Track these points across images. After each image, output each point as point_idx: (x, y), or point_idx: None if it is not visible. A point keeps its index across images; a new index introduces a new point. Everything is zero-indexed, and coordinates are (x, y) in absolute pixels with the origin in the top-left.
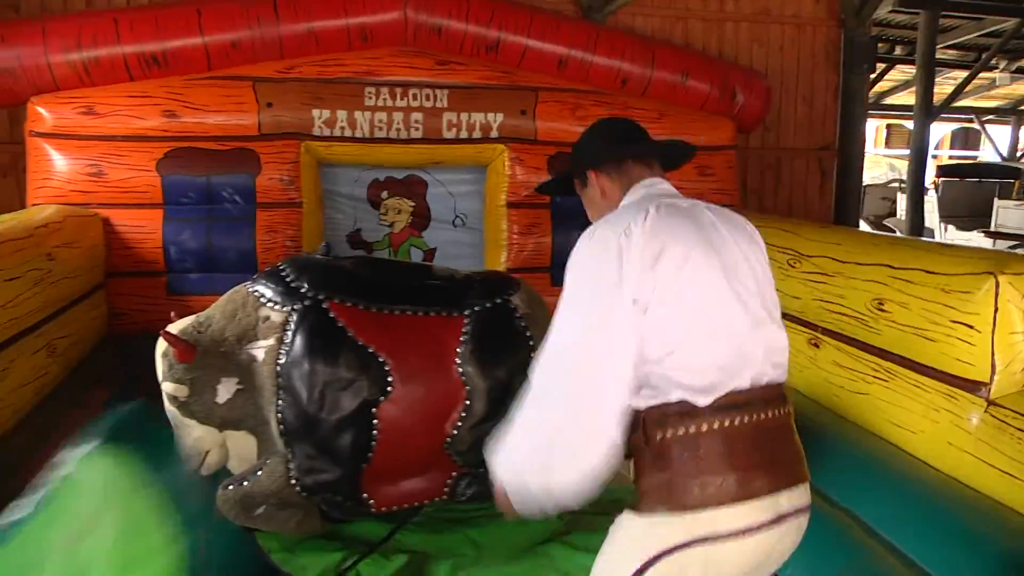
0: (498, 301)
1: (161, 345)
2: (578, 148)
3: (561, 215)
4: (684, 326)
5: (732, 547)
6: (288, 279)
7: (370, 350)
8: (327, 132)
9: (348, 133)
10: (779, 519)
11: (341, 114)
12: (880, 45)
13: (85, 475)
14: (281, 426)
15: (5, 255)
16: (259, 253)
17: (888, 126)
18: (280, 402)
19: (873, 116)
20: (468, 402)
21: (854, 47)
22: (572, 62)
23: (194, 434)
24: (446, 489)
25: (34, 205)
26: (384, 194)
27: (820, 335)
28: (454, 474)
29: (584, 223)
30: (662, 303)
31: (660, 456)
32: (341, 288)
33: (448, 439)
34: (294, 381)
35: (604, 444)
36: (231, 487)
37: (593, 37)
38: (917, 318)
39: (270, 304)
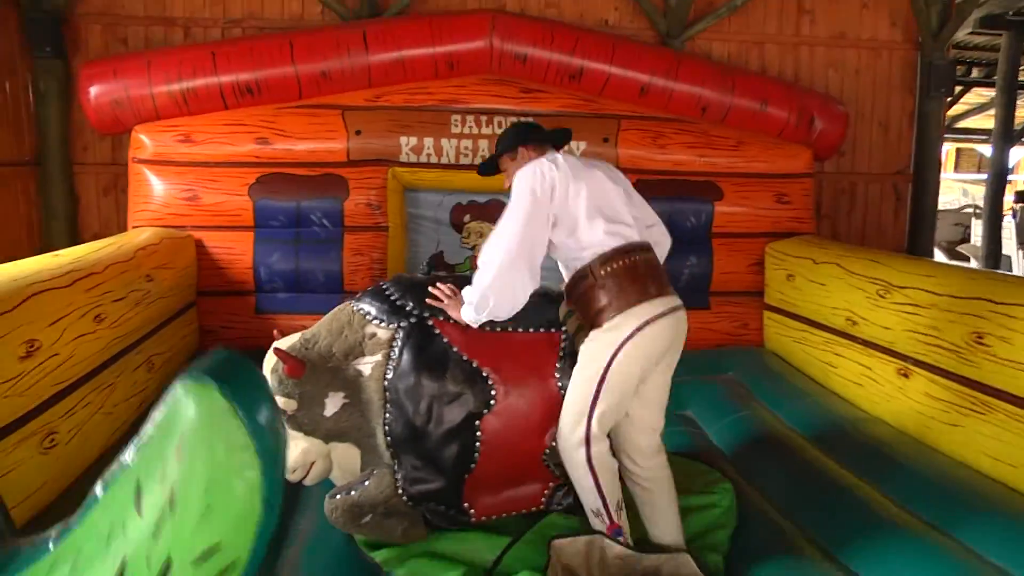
0: None
1: (270, 360)
2: (508, 135)
3: None
4: (576, 219)
5: (658, 326)
6: (393, 298)
7: (474, 365)
8: (414, 158)
9: (434, 159)
10: (672, 310)
11: (427, 141)
12: (956, 68)
13: (184, 402)
14: (388, 438)
15: (111, 277)
16: (345, 275)
17: (957, 150)
18: (387, 415)
19: (946, 140)
20: None
21: (932, 71)
22: (653, 89)
23: (301, 446)
24: (543, 499)
25: (134, 228)
26: (467, 217)
27: (910, 366)
28: (551, 484)
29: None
30: (565, 210)
31: (604, 287)
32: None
33: (547, 450)
34: (401, 395)
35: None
36: (339, 496)
37: (674, 64)
38: (1020, 352)
39: (376, 321)
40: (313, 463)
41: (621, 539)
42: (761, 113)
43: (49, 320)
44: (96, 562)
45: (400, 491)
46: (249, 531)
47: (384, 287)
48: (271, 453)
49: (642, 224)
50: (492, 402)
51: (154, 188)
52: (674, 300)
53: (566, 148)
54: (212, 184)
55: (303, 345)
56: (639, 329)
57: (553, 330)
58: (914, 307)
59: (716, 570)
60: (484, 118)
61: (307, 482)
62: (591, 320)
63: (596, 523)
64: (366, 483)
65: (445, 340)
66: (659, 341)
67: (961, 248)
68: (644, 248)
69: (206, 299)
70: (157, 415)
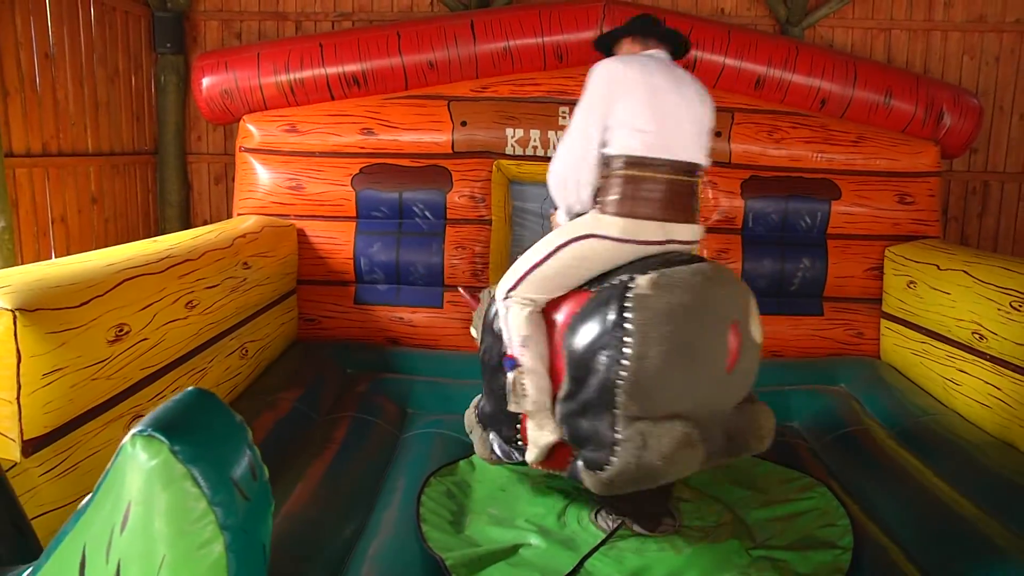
0: (625, 279)
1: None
2: (627, 23)
3: (753, 241)
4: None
5: (641, 250)
6: None
7: None
8: (519, 151)
9: (540, 152)
10: (667, 241)
11: (534, 133)
12: None
13: (131, 462)
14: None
15: (207, 264)
16: (446, 268)
17: None
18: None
19: None
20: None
21: None
22: (769, 81)
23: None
24: (567, 462)
25: (239, 215)
26: None
27: None
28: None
29: (774, 254)
30: (618, 112)
31: (617, 184)
32: None
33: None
34: (484, 330)
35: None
36: (474, 400)
37: (792, 54)
38: None
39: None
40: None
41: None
42: (884, 107)
43: (140, 305)
44: None
45: (476, 412)
46: None
47: None
48: (243, 521)
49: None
50: None
51: (259, 177)
52: (683, 232)
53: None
54: (316, 174)
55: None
56: (620, 240)
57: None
58: None
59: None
60: None
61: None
62: (594, 201)
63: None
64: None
65: None
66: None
67: None
68: (685, 170)
69: (306, 288)
70: (107, 469)
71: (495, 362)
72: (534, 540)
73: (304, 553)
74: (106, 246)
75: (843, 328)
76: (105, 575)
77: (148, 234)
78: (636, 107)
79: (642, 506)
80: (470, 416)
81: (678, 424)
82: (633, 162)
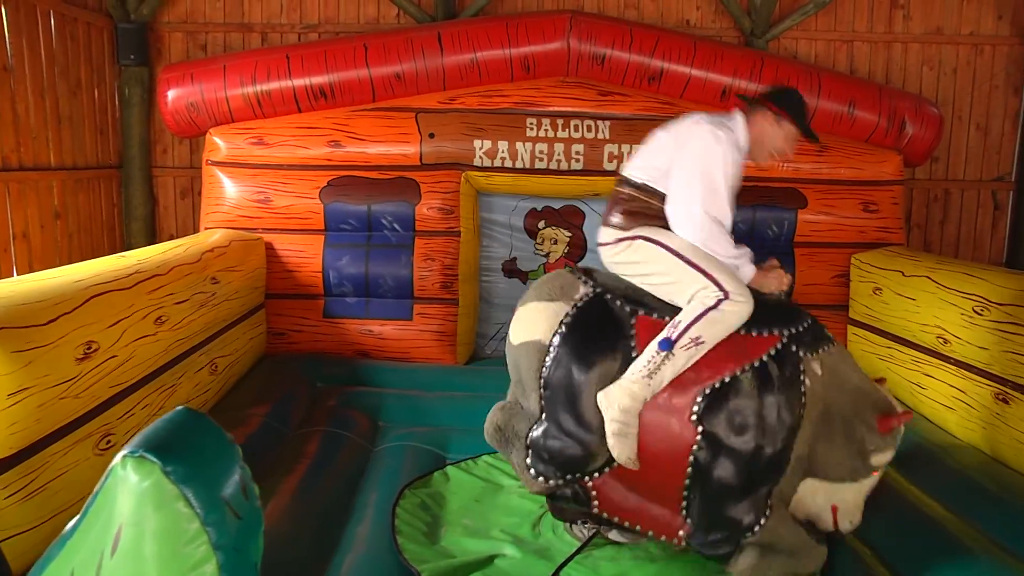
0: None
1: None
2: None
3: None
4: None
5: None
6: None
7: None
8: (488, 162)
9: (509, 164)
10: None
11: (502, 145)
12: None
13: (121, 483)
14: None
15: (175, 279)
16: (416, 280)
17: None
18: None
19: None
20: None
21: None
22: (736, 92)
23: None
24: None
25: (206, 229)
26: (541, 224)
27: (1010, 391)
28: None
29: None
30: None
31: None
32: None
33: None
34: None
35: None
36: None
37: (757, 65)
38: None
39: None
40: None
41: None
42: (848, 116)
43: (109, 322)
44: None
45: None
46: None
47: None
48: (235, 540)
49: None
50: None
51: (227, 190)
52: (603, 235)
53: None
54: (284, 187)
55: None
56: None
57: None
58: (1015, 326)
59: None
60: (560, 121)
61: None
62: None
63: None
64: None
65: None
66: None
67: None
68: (619, 181)
69: (275, 302)
70: (96, 490)
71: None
72: (509, 550)
73: (278, 572)
74: (70, 262)
75: None
76: None
77: (113, 249)
78: None
79: None
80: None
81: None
82: None
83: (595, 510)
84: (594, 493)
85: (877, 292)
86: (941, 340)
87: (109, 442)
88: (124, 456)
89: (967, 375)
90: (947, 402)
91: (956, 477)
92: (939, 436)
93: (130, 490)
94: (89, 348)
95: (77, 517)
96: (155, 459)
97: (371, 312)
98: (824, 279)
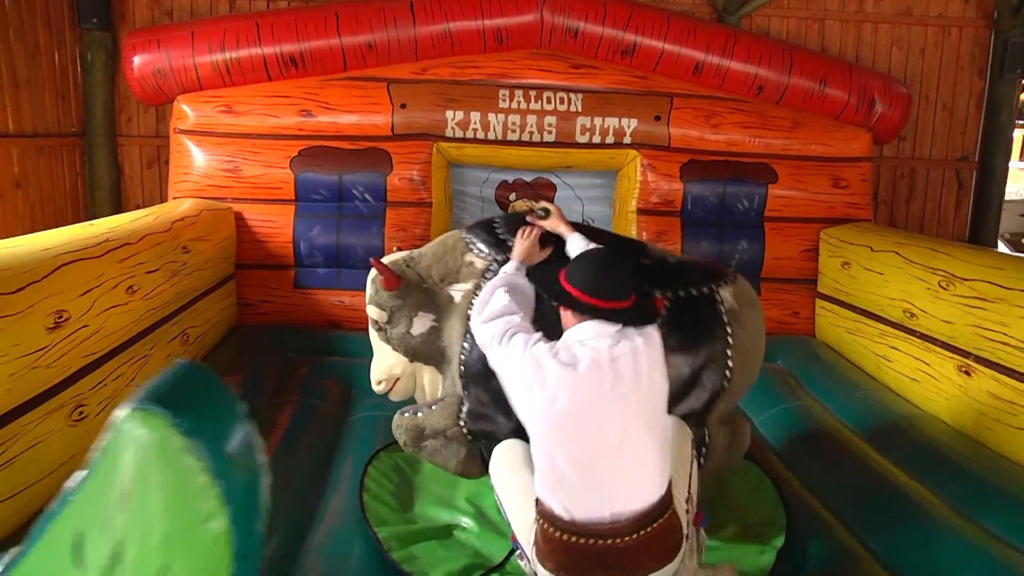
0: (705, 290)
1: (373, 271)
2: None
3: (692, 223)
4: None
5: None
6: (498, 231)
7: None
8: (460, 133)
9: (481, 135)
10: None
11: (474, 116)
12: None
13: (127, 438)
14: (462, 367)
15: (146, 248)
16: (387, 250)
17: None
18: (465, 344)
19: (1017, 126)
20: None
21: (1008, 49)
22: (708, 67)
23: (388, 360)
24: None
25: (175, 199)
26: (512, 196)
27: (972, 363)
28: None
29: (712, 236)
30: None
31: None
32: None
33: None
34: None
35: None
36: (407, 415)
37: (730, 41)
38: None
39: (477, 251)
40: (398, 379)
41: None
42: (819, 94)
43: (79, 291)
44: None
45: (462, 423)
46: None
47: (495, 221)
48: (243, 495)
49: None
50: None
51: (195, 159)
52: None
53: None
54: (254, 156)
55: (405, 262)
56: None
57: (658, 295)
58: (980, 300)
59: (765, 570)
60: (533, 93)
61: (392, 397)
62: None
63: None
64: (432, 408)
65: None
66: None
67: None
68: None
69: (245, 272)
70: (100, 445)
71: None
72: (468, 523)
73: None
74: (32, 232)
75: (780, 308)
76: (104, 556)
77: (78, 220)
78: None
79: None
80: (415, 428)
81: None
82: None
83: None
84: None
85: (846, 266)
86: (908, 314)
87: (82, 413)
88: (129, 410)
89: (932, 348)
90: (912, 374)
91: (919, 446)
92: (903, 407)
93: (136, 444)
94: (60, 317)
95: (79, 475)
96: (161, 411)
97: (342, 283)
98: (794, 253)
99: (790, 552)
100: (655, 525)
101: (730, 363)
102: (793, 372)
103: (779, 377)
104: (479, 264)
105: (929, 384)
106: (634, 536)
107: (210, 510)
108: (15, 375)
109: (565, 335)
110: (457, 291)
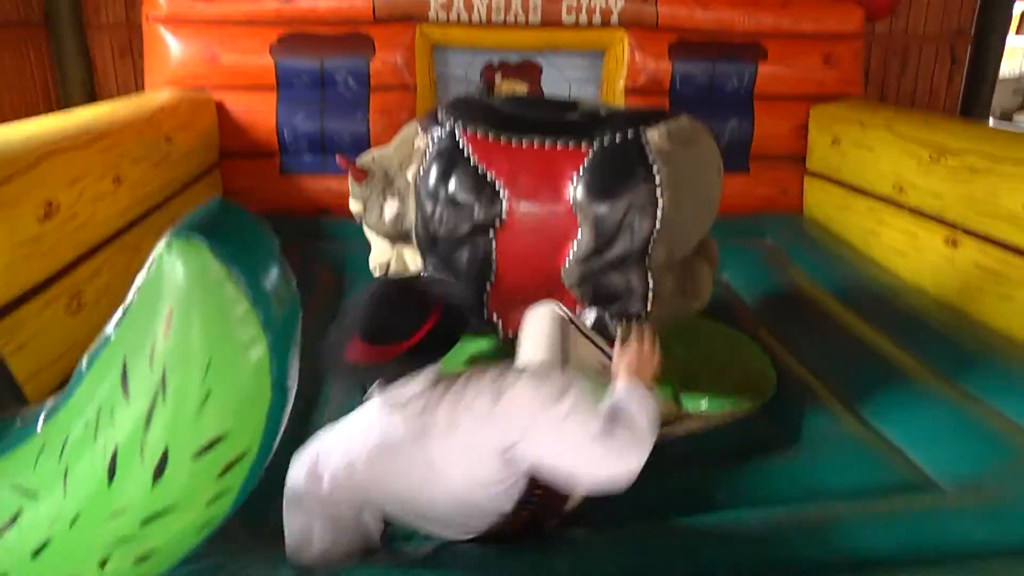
0: (630, 134)
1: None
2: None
3: (681, 102)
4: None
5: None
6: (439, 112)
7: (488, 177)
8: (443, 16)
9: (465, 17)
10: None
11: None
12: None
13: (167, 266)
14: (416, 239)
15: (129, 138)
16: (372, 136)
17: None
18: (417, 218)
19: None
20: (579, 234)
21: None
22: None
23: (376, 245)
24: None
25: (151, 89)
26: (498, 78)
27: (960, 234)
28: (577, 308)
29: (702, 115)
30: None
31: None
32: (476, 119)
33: (561, 270)
34: (422, 199)
35: None
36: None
37: None
38: None
39: (421, 133)
40: (387, 261)
41: None
42: None
43: (66, 181)
44: (85, 451)
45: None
46: (258, 419)
47: (444, 104)
48: (281, 326)
49: None
50: (504, 215)
51: (171, 48)
52: None
53: None
54: (232, 44)
55: (370, 155)
56: None
57: (583, 145)
58: (969, 172)
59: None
60: None
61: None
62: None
63: None
64: (403, 276)
65: (464, 150)
66: None
67: (1019, 116)
68: None
69: (230, 161)
70: (141, 278)
71: (450, 242)
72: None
73: None
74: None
75: (768, 185)
76: (150, 382)
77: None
78: None
79: None
80: None
81: (706, 264)
82: None
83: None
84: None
85: (835, 143)
86: (897, 188)
87: (80, 302)
88: (168, 240)
89: (920, 221)
90: (899, 248)
91: (903, 315)
92: (890, 280)
93: (177, 272)
94: (50, 207)
95: (121, 309)
96: (201, 240)
97: (328, 168)
98: (783, 131)
99: (778, 412)
100: None
101: (660, 203)
102: (782, 248)
103: (768, 253)
104: (421, 144)
105: (916, 257)
106: None
107: (251, 337)
108: (11, 265)
109: None
110: (410, 173)
